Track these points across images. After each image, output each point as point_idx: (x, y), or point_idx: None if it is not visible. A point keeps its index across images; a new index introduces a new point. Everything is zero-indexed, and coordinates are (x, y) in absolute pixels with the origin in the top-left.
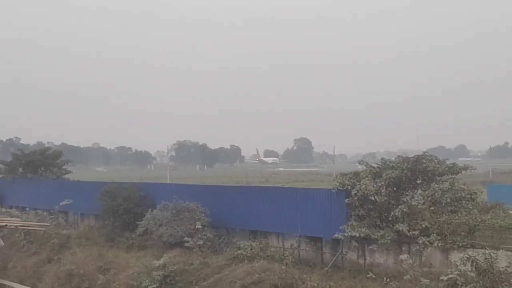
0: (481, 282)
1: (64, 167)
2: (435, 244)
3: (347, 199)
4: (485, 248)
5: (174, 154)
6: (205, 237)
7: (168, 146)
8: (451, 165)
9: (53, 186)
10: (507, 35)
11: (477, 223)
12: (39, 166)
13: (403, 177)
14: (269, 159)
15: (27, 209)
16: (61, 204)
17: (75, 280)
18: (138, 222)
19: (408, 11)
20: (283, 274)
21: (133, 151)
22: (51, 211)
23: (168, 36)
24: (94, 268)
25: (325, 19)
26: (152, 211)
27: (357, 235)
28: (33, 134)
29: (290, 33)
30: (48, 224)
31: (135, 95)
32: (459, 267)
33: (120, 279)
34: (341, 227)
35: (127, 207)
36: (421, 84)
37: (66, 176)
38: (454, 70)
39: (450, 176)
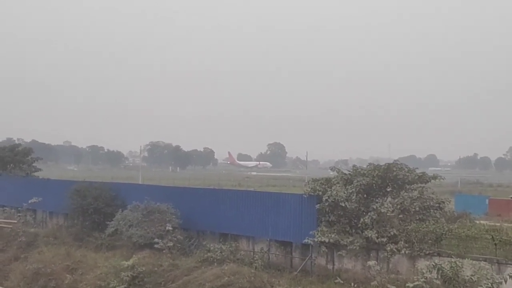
0: None
1: (34, 164)
2: (403, 252)
3: (318, 204)
4: (451, 257)
5: (146, 154)
6: (175, 239)
7: (141, 147)
8: (421, 174)
9: (22, 184)
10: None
11: (444, 232)
12: (8, 162)
13: (374, 185)
14: (250, 163)
15: None
16: (29, 202)
17: (42, 279)
18: (108, 222)
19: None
20: (252, 278)
21: (105, 150)
22: (19, 208)
23: (143, 34)
24: (62, 268)
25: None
26: (122, 211)
27: (327, 240)
28: (3, 130)
29: (269, 40)
30: (15, 221)
31: (109, 93)
32: (425, 275)
33: (87, 279)
34: (311, 232)
35: (97, 206)
36: (395, 95)
37: (35, 173)
38: (427, 83)
39: (420, 185)
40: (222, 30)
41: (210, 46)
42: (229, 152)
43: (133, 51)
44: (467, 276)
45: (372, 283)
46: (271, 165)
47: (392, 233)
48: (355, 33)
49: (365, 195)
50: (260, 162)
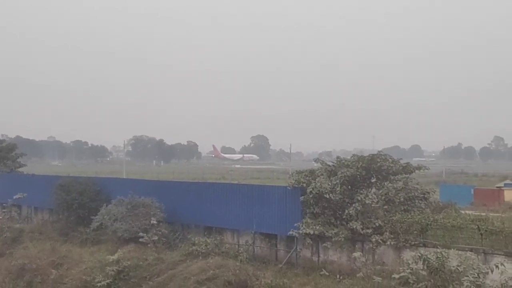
0: (432, 280)
1: (18, 160)
2: (388, 243)
3: (302, 196)
4: (437, 247)
5: (130, 149)
6: (160, 232)
7: (124, 141)
8: (405, 164)
9: (6, 179)
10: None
11: (429, 222)
12: None
13: (358, 176)
14: (235, 156)
15: None
16: (14, 197)
17: (27, 274)
18: (93, 217)
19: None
20: (237, 271)
21: (89, 145)
22: (4, 204)
23: (133, 30)
24: (47, 263)
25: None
26: (107, 206)
27: (312, 232)
28: None
29: (257, 38)
30: (0, 216)
31: (93, 87)
32: (411, 266)
33: (73, 274)
34: (295, 225)
35: (81, 201)
36: (378, 87)
37: (20, 169)
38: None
39: (404, 175)
40: (221, 30)
41: (196, 44)
42: (213, 145)
43: (120, 46)
44: (453, 266)
45: (357, 275)
46: (258, 158)
47: (377, 224)
48: (343, 29)
49: (349, 187)
50: (246, 155)
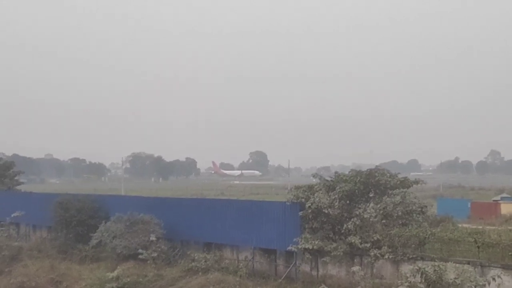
0: None
1: (15, 178)
2: (386, 256)
3: (301, 211)
4: (435, 260)
5: (129, 166)
6: (160, 249)
7: (122, 158)
8: (403, 179)
9: (4, 197)
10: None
11: (427, 236)
12: None
13: (356, 190)
14: (235, 172)
15: None
16: (12, 215)
17: None
18: (92, 234)
19: None
20: (237, 286)
21: (87, 162)
22: (2, 222)
23: (126, 40)
24: (46, 281)
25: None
26: (106, 223)
27: (311, 247)
28: None
29: (248, 45)
30: None
31: (90, 104)
32: (409, 279)
33: None
34: (294, 240)
35: (80, 218)
36: (376, 101)
37: (18, 187)
38: (408, 90)
39: (402, 189)
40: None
41: (191, 55)
42: (213, 162)
43: (115, 59)
44: (451, 279)
45: None
46: (260, 173)
47: (375, 238)
48: (338, 40)
49: (347, 201)
50: (247, 171)
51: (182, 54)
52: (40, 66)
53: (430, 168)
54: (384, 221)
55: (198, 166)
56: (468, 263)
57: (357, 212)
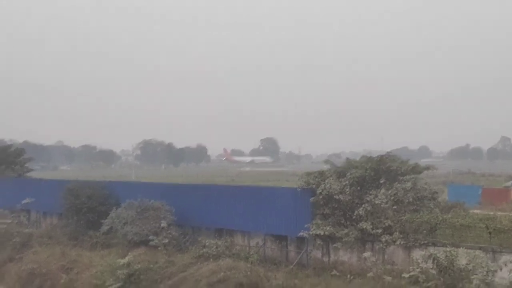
0: (442, 279)
1: (26, 165)
2: (398, 242)
3: (312, 198)
4: (446, 246)
5: (139, 153)
6: (171, 235)
7: (133, 145)
8: (414, 165)
9: (15, 184)
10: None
11: (438, 222)
12: (0, 163)
13: (367, 177)
14: (246, 159)
15: None
16: (23, 202)
17: (37, 279)
18: (102, 221)
19: None
20: (249, 272)
21: (98, 149)
22: (13, 209)
23: (137, 33)
24: (57, 267)
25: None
26: (116, 209)
27: (322, 233)
28: None
29: (262, 37)
30: (9, 221)
31: (101, 92)
32: (420, 265)
33: (83, 278)
34: (306, 226)
35: (91, 205)
36: (387, 88)
37: (28, 174)
38: (419, 76)
39: (413, 175)
40: (216, 29)
41: (199, 44)
42: (224, 149)
43: (126, 50)
44: (463, 265)
45: (368, 275)
46: (271, 160)
47: (386, 224)
48: (349, 29)
49: (358, 187)
50: (258, 158)
51: (196, 48)
52: (55, 56)
53: (441, 155)
54: (395, 207)
55: (208, 153)
56: (480, 249)
57: (368, 198)
